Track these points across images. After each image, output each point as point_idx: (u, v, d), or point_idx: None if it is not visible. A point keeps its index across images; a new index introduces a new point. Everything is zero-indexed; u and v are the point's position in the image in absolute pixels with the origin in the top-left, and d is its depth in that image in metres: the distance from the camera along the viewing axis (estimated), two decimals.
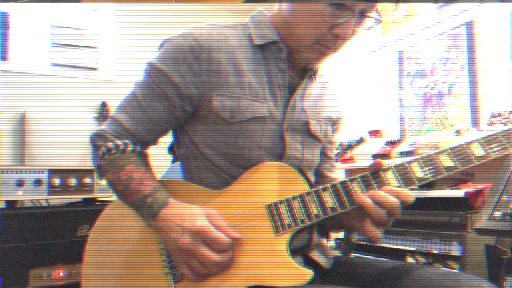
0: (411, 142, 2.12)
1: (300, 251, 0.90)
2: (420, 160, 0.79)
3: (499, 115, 1.84)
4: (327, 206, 0.80)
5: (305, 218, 0.80)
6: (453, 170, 0.78)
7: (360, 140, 2.51)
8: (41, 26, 2.79)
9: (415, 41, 2.46)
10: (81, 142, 2.55)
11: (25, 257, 1.69)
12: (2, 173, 1.73)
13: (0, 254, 1.63)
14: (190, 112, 0.91)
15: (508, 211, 1.08)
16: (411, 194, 0.76)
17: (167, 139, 1.00)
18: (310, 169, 0.99)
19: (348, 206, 0.79)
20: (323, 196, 0.81)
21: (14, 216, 1.69)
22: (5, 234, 1.65)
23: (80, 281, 0.91)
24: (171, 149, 1.06)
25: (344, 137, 2.59)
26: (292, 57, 0.92)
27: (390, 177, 0.79)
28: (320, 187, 0.81)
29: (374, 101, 2.71)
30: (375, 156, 2.21)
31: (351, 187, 0.80)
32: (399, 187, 0.78)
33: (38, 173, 1.81)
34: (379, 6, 0.85)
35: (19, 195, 1.76)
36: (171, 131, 0.98)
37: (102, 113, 2.75)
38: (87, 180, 1.91)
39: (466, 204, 1.69)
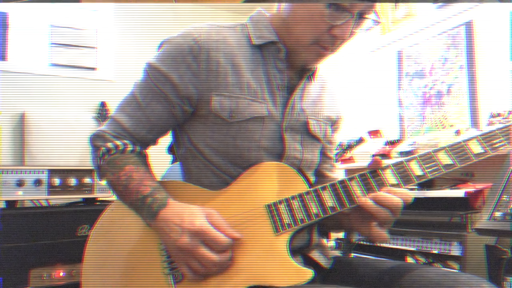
0: (411, 142, 2.12)
1: (300, 251, 0.90)
2: (418, 158, 0.79)
3: (499, 115, 1.84)
4: (327, 205, 0.80)
5: (305, 217, 0.80)
6: (452, 167, 0.78)
7: (360, 140, 2.51)
8: (41, 26, 2.78)
9: (414, 41, 2.46)
10: (80, 142, 2.55)
11: (25, 257, 1.68)
12: (2, 173, 1.73)
13: (0, 254, 1.63)
14: (189, 112, 0.91)
15: (508, 211, 1.08)
16: (410, 194, 0.77)
17: (166, 139, 1.00)
18: (310, 169, 0.99)
19: (347, 205, 0.79)
20: (323, 196, 0.81)
21: (14, 216, 1.69)
22: (5, 234, 1.65)
23: (80, 281, 0.91)
24: (170, 149, 1.06)
25: (343, 137, 2.59)
26: (290, 57, 0.92)
27: (389, 176, 0.79)
28: (319, 186, 0.82)
29: (374, 101, 2.71)
30: (374, 156, 2.20)
31: (350, 186, 0.80)
32: (398, 185, 0.79)
33: (38, 173, 1.81)
34: (378, 6, 0.85)
35: (19, 195, 1.76)
36: (170, 131, 0.98)
37: (102, 113, 2.75)
38: (87, 180, 1.91)
39: (466, 204, 1.68)
